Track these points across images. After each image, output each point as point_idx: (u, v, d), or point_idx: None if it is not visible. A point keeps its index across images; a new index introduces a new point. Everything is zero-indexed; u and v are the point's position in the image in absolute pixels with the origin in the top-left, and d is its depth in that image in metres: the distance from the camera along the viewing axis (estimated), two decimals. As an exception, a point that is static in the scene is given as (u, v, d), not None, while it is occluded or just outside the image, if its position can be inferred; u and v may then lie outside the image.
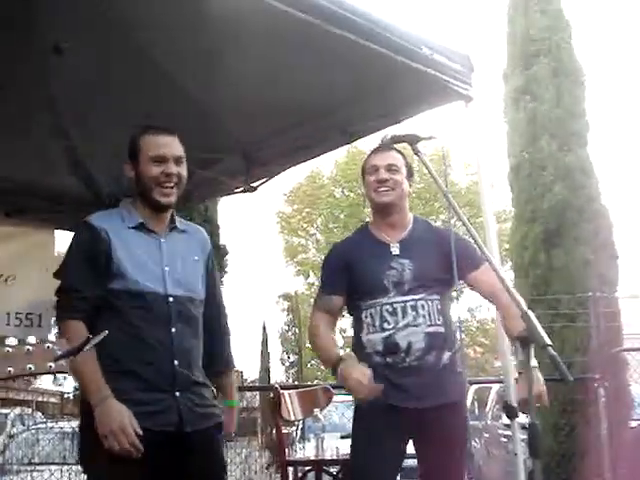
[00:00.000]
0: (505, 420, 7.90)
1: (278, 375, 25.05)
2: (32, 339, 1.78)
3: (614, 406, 5.63)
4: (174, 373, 2.40)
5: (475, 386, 10.76)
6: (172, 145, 2.54)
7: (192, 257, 2.60)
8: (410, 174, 2.99)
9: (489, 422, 9.29)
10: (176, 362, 2.41)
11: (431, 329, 2.79)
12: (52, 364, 1.78)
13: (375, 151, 3.01)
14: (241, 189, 4.45)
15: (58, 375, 26.84)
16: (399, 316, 2.79)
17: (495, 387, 9.33)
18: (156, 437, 2.31)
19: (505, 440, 7.99)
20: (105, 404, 2.27)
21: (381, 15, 2.98)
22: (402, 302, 2.80)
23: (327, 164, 25.08)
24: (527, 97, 7.06)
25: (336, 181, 25.17)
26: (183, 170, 2.55)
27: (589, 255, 6.48)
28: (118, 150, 4.42)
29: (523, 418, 3.18)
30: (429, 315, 2.80)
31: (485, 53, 5.97)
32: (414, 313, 2.79)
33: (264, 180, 4.43)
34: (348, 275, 2.89)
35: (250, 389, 22.09)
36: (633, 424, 5.87)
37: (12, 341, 1.76)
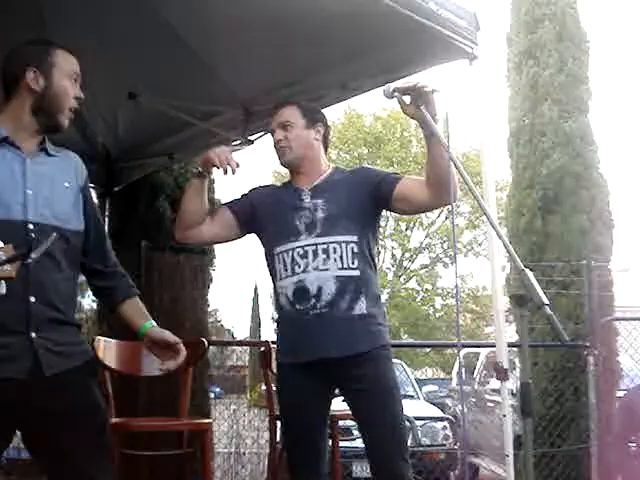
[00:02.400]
0: (493, 385, 7.97)
1: (269, 334, 25.21)
2: None
3: (603, 374, 5.65)
4: (29, 311, 2.10)
5: (464, 351, 10.84)
6: (79, 69, 2.32)
7: (63, 183, 2.28)
8: (313, 121, 2.83)
9: (477, 387, 9.37)
10: (32, 298, 2.10)
11: (343, 272, 2.65)
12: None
13: (272, 112, 2.91)
14: (238, 142, 4.41)
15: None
16: (309, 259, 2.65)
17: (483, 352, 9.41)
18: (17, 386, 2.05)
19: (492, 405, 8.07)
20: None
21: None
22: (313, 244, 2.67)
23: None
24: (530, 62, 6.97)
25: (332, 143, 25.06)
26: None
27: (585, 223, 6.45)
28: (115, 102, 4.41)
29: (511, 384, 3.21)
30: (341, 258, 2.66)
31: (490, 15, 5.88)
32: (324, 256, 2.65)
33: (262, 133, 4.38)
34: (254, 214, 2.80)
35: (239, 344, 22.26)
36: (620, 394, 5.90)
37: None
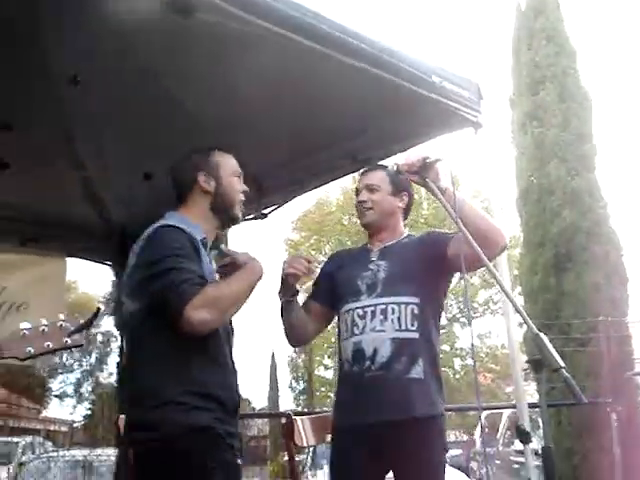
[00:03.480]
0: (517, 446, 7.87)
1: (287, 403, 24.95)
2: (44, 321, 1.83)
3: (627, 430, 5.59)
4: (237, 400, 2.41)
5: (486, 412, 10.71)
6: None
7: None
8: (398, 189, 2.87)
9: (501, 448, 9.25)
10: (237, 388, 2.43)
11: (400, 334, 2.62)
12: (68, 339, 1.84)
13: (360, 174, 3.00)
14: (252, 216, 4.48)
15: (67, 402, 26.89)
16: (367, 319, 2.65)
17: (506, 413, 9.30)
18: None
19: (517, 467, 7.96)
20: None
21: (391, 43, 3.02)
22: (372, 305, 2.67)
23: (335, 191, 25.18)
24: (534, 122, 7.11)
25: (344, 208, 25.23)
26: None
27: (599, 279, 6.47)
28: (131, 182, 4.52)
29: (536, 444, 3.19)
30: (399, 319, 2.63)
31: (492, 80, 6.02)
32: (382, 317, 2.64)
33: (275, 207, 4.46)
34: (332, 283, 2.82)
35: (260, 416, 22.04)
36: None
37: (26, 325, 1.81)
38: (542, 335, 1.99)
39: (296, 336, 2.85)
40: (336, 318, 2.85)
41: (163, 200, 4.61)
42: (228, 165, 2.56)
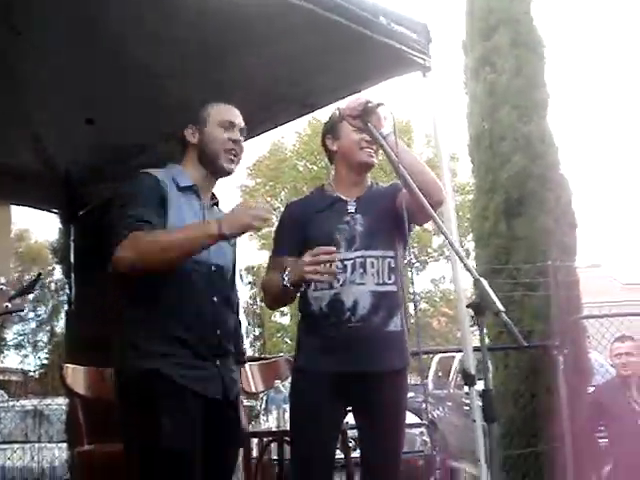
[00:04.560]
0: (467, 389, 8.04)
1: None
2: None
3: (573, 373, 5.72)
4: (218, 342, 2.45)
5: (438, 355, 10.91)
6: (239, 117, 2.61)
7: None
8: None
9: (452, 391, 9.44)
10: (218, 331, 2.45)
11: (380, 288, 2.67)
12: (8, 304, 1.83)
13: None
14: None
15: (21, 352, 26.69)
16: (347, 273, 2.66)
17: (458, 356, 9.47)
18: (207, 404, 2.38)
19: (467, 408, 8.14)
20: (223, 219, 2.35)
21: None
22: (352, 259, 2.67)
23: (290, 137, 25.02)
24: (487, 68, 7.06)
25: (299, 154, 25.12)
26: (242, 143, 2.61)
27: (550, 224, 6.53)
28: (74, 127, 4.41)
29: (481, 385, 3.25)
30: (378, 273, 2.68)
31: (444, 25, 5.96)
32: (362, 270, 2.66)
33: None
34: (301, 234, 2.75)
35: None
36: (590, 390, 5.98)
37: None
38: (482, 280, 2.00)
39: (278, 304, 2.89)
40: None
41: (107, 146, 4.55)
42: (216, 116, 2.57)
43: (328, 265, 2.46)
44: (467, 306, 2.12)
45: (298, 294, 2.69)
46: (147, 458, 2.31)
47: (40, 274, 2.05)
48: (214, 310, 2.46)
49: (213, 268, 2.48)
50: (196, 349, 2.38)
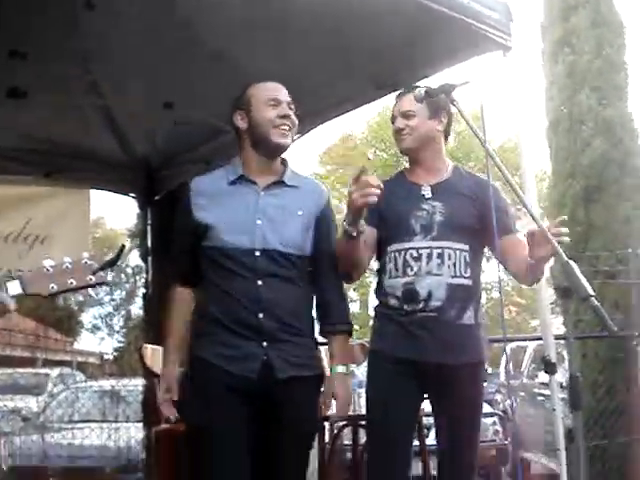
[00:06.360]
0: (541, 379, 7.88)
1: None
2: (68, 259, 1.82)
3: (653, 364, 5.56)
4: (259, 325, 2.42)
5: (511, 346, 10.72)
6: (283, 91, 2.57)
7: (296, 211, 2.54)
8: (436, 111, 2.70)
9: (525, 381, 9.27)
10: (261, 315, 2.42)
11: (455, 280, 2.62)
12: (92, 277, 1.84)
13: (395, 100, 2.82)
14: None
15: (97, 335, 27.44)
16: (423, 262, 2.61)
17: (531, 346, 9.30)
18: (238, 382, 2.39)
19: (542, 399, 7.98)
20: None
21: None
22: (428, 248, 2.62)
23: (359, 125, 24.96)
24: (566, 49, 6.88)
25: (368, 142, 25.04)
26: (294, 116, 2.58)
27: (630, 211, 6.34)
28: (152, 112, 4.47)
29: (560, 376, 3.19)
30: (455, 265, 2.62)
31: (522, 6, 5.82)
32: (439, 261, 2.61)
33: (297, 137, 4.38)
34: (379, 217, 2.65)
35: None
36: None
37: (49, 262, 1.81)
38: (572, 262, 1.93)
39: (358, 273, 2.73)
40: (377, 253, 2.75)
41: (185, 132, 4.60)
42: (260, 96, 2.54)
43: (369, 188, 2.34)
44: (554, 289, 2.06)
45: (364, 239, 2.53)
46: (189, 437, 2.49)
47: (124, 246, 2.07)
48: (257, 294, 2.43)
49: (257, 253, 2.45)
50: (235, 330, 2.42)
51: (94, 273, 1.83)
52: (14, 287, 1.79)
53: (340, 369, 2.56)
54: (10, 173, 4.69)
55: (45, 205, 5.06)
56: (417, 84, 2.72)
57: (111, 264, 1.87)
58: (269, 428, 2.44)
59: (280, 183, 2.57)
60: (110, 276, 1.98)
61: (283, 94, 2.56)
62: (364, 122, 24.62)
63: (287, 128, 2.52)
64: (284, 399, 2.42)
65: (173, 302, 2.62)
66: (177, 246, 2.64)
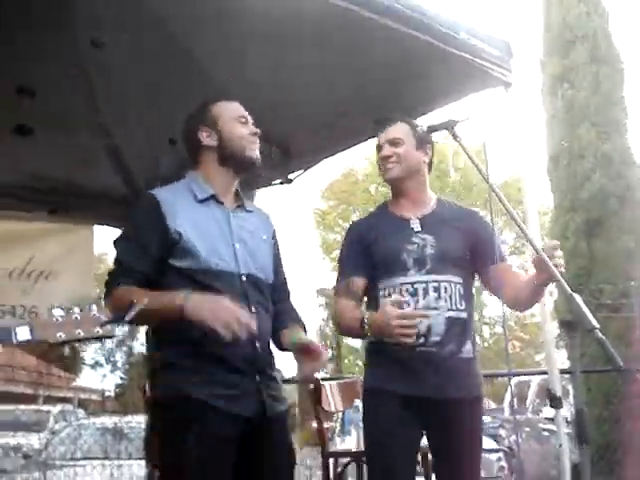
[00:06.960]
0: (546, 414, 7.81)
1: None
2: (77, 310, 1.84)
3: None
4: (255, 356, 2.31)
5: (514, 380, 10.65)
6: (245, 110, 2.52)
7: (261, 236, 2.50)
8: (422, 143, 2.70)
9: (530, 416, 9.20)
10: (258, 344, 2.31)
11: (453, 314, 2.58)
12: (99, 329, 1.85)
13: (380, 130, 2.80)
14: (279, 181, 4.46)
15: (99, 371, 27.29)
16: (420, 297, 2.56)
17: (535, 380, 9.24)
18: (235, 423, 2.25)
19: (546, 434, 7.91)
20: (190, 298, 2.16)
21: (420, 2, 2.97)
22: (424, 282, 2.57)
23: (360, 162, 25.10)
24: (565, 84, 6.96)
25: (370, 177, 25.15)
26: None
27: (631, 244, 6.36)
28: (157, 148, 4.51)
29: (566, 411, 3.17)
30: (451, 298, 2.58)
31: (521, 40, 5.90)
32: (436, 294, 2.57)
33: (300, 172, 4.43)
34: (368, 254, 2.65)
35: (288, 382, 22.16)
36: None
37: (59, 311, 1.83)
38: (576, 295, 1.94)
39: (350, 337, 2.78)
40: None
41: (187, 166, 4.63)
42: (227, 113, 2.47)
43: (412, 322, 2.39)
44: (559, 322, 2.07)
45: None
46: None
47: (133, 302, 2.00)
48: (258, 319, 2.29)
49: (243, 278, 2.35)
50: (231, 364, 2.26)
51: (102, 326, 1.85)
52: (23, 332, 1.81)
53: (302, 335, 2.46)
54: (14, 209, 4.71)
55: (49, 241, 5.07)
56: (423, 128, 2.70)
57: (119, 319, 1.89)
58: (252, 461, 2.32)
59: (240, 207, 2.51)
60: (118, 330, 1.98)
61: (247, 113, 2.51)
62: (365, 159, 24.76)
63: (256, 145, 2.48)
64: (271, 435, 2.34)
65: (127, 292, 2.20)
66: (139, 246, 2.32)
